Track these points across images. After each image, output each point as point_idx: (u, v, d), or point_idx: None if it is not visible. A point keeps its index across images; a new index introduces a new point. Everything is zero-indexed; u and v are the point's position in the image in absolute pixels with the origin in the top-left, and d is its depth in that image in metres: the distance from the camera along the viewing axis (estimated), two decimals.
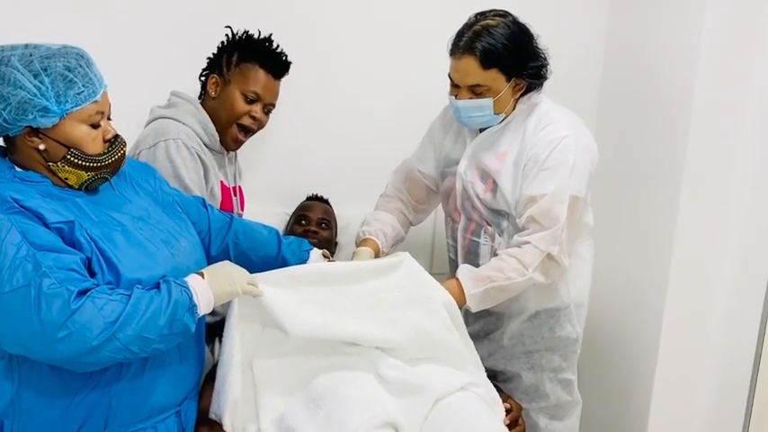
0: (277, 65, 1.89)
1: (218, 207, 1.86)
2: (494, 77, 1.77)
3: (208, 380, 1.66)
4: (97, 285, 1.28)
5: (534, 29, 1.82)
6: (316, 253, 1.82)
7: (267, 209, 2.19)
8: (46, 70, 1.28)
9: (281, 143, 2.34)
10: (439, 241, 2.36)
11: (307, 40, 2.29)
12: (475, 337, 1.93)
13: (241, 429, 1.55)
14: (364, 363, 1.62)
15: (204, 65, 1.95)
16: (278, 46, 1.91)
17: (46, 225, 1.28)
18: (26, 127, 1.29)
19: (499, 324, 2.03)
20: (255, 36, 1.90)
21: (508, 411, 1.70)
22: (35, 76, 1.27)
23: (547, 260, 1.78)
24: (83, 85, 1.31)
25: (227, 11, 2.05)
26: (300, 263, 1.76)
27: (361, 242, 1.99)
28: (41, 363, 1.28)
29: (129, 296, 1.28)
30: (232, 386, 1.54)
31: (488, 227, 1.93)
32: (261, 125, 1.93)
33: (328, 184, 2.32)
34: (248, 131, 1.92)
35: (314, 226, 2.15)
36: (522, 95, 1.85)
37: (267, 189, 2.31)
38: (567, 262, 1.82)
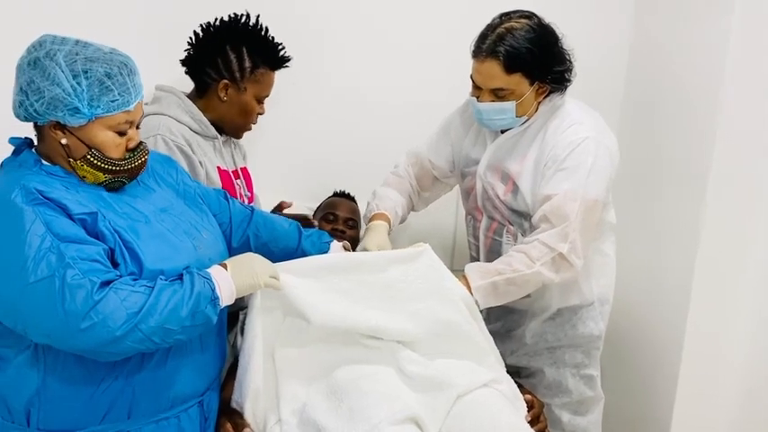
0: (281, 60, 1.89)
1: None
2: (517, 81, 1.73)
3: (230, 371, 1.67)
4: (120, 276, 1.29)
5: (559, 28, 1.78)
6: (336, 245, 1.82)
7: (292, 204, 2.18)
8: (86, 73, 1.28)
9: (304, 138, 2.33)
10: (460, 239, 2.35)
11: (327, 35, 2.29)
12: (496, 334, 1.92)
13: (262, 419, 1.56)
14: (385, 356, 1.62)
15: (180, 53, 1.88)
16: (267, 31, 1.88)
17: (70, 216, 1.29)
18: (53, 120, 1.30)
19: (521, 322, 2.01)
20: (249, 24, 1.85)
21: (530, 408, 1.68)
22: (74, 77, 1.27)
23: (558, 258, 1.74)
24: (118, 94, 1.31)
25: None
26: (320, 254, 1.75)
27: (375, 216, 1.96)
28: (66, 352, 1.30)
29: (152, 287, 1.29)
30: (254, 375, 1.55)
31: (510, 226, 1.91)
32: None
33: (352, 178, 2.31)
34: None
35: (341, 225, 2.13)
36: (544, 97, 1.82)
37: (290, 183, 2.30)
38: (581, 263, 1.77)
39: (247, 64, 1.83)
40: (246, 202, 1.96)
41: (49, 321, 1.22)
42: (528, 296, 1.88)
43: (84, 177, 1.36)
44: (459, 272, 1.79)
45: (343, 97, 2.35)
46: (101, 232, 1.31)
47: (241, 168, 2.00)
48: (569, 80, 1.80)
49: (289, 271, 1.55)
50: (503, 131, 1.88)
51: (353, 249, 1.95)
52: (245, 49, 1.83)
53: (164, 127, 1.76)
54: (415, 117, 2.30)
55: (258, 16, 1.86)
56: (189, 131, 1.82)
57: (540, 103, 1.82)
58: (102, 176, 1.35)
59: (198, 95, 1.88)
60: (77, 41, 1.32)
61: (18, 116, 1.32)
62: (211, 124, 1.87)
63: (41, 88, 1.27)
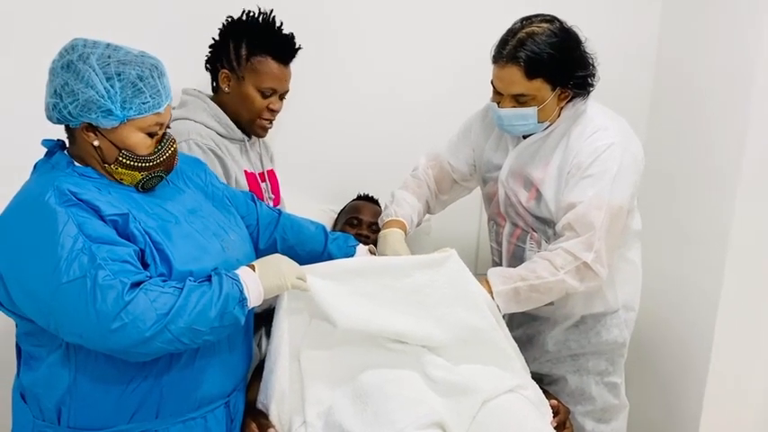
0: (287, 50, 1.84)
1: None
2: (538, 87, 1.71)
3: (256, 372, 1.68)
4: (150, 277, 1.30)
5: (584, 32, 1.75)
6: (362, 248, 1.83)
7: (314, 206, 2.19)
8: (119, 75, 1.30)
9: (327, 140, 2.34)
10: (484, 244, 2.33)
11: (353, 37, 2.29)
12: (518, 341, 1.88)
13: (287, 420, 1.57)
14: (410, 360, 1.62)
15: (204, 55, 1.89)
16: (281, 25, 1.84)
17: (101, 217, 1.30)
18: (85, 122, 1.32)
19: (543, 329, 1.98)
20: (258, 19, 1.83)
21: (555, 413, 1.67)
22: (108, 79, 1.29)
23: (583, 267, 1.71)
24: (150, 96, 1.33)
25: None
26: (346, 257, 1.76)
27: (391, 222, 1.94)
28: (97, 352, 1.31)
29: (181, 288, 1.30)
30: (280, 377, 1.56)
31: (534, 233, 1.88)
32: (278, 112, 1.91)
33: (375, 181, 2.31)
34: (270, 121, 1.91)
35: (365, 229, 2.12)
36: (567, 102, 1.79)
37: (313, 186, 2.30)
38: (605, 272, 1.74)
39: (243, 51, 1.80)
40: (272, 204, 1.97)
41: (80, 322, 1.23)
42: (551, 303, 1.86)
43: (122, 180, 1.38)
44: (482, 276, 1.78)
45: (367, 99, 2.34)
46: (131, 233, 1.33)
47: (267, 171, 2.00)
48: (592, 85, 1.78)
49: (315, 273, 1.55)
50: (525, 137, 1.87)
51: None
52: (244, 39, 1.81)
53: (194, 132, 1.77)
54: (440, 119, 2.29)
55: (272, 11, 1.85)
56: (217, 136, 1.83)
57: (562, 108, 1.80)
58: (138, 175, 1.37)
59: (214, 93, 1.90)
60: (108, 45, 1.34)
61: (51, 119, 1.34)
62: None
63: (75, 91, 1.29)
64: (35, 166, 1.41)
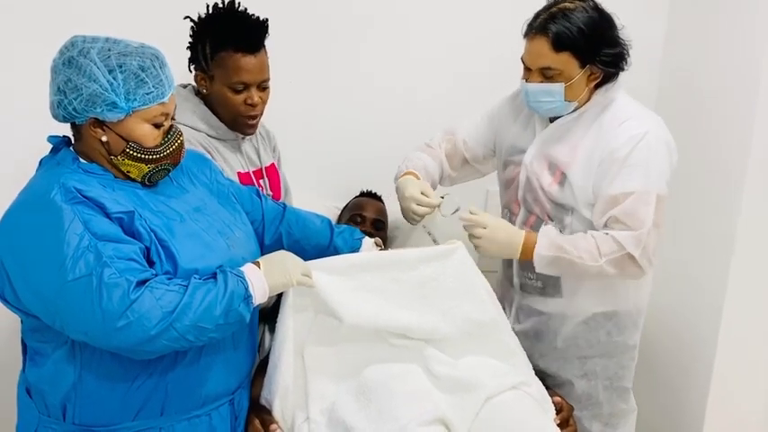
0: (251, 39, 1.71)
1: None
2: (566, 61, 1.69)
3: (259, 369, 1.68)
4: (156, 275, 1.30)
5: (619, 19, 1.73)
6: (367, 241, 1.82)
7: (318, 202, 2.17)
8: (121, 67, 1.29)
9: (332, 136, 2.33)
10: None
11: (360, 31, 2.28)
12: (525, 335, 1.90)
13: (290, 416, 1.57)
14: (413, 357, 1.62)
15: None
16: (245, 11, 1.73)
17: (107, 215, 1.30)
18: (92, 117, 1.31)
19: (552, 325, 1.94)
20: (220, 12, 1.73)
21: (558, 411, 1.67)
22: (110, 72, 1.29)
23: (627, 259, 1.69)
24: (153, 86, 1.32)
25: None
26: (352, 251, 1.76)
27: (402, 175, 1.92)
28: (102, 349, 1.31)
29: (187, 286, 1.30)
30: (284, 373, 1.56)
31: (549, 221, 1.84)
32: (263, 104, 1.79)
33: (378, 177, 2.29)
34: (254, 116, 1.80)
35: (369, 227, 2.12)
36: (597, 87, 1.76)
37: (317, 182, 2.29)
38: (650, 268, 1.72)
39: (208, 50, 1.71)
40: None
41: (86, 319, 1.23)
42: (560, 296, 1.86)
43: (129, 173, 1.37)
44: (485, 272, 1.77)
45: (372, 96, 2.33)
46: (137, 231, 1.33)
47: (266, 167, 1.95)
48: (622, 67, 1.74)
49: (321, 269, 1.55)
50: (552, 120, 1.83)
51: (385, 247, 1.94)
52: (207, 36, 1.72)
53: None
54: (445, 115, 2.28)
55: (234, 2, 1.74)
56: (206, 138, 1.78)
57: (592, 92, 1.77)
58: (145, 168, 1.37)
59: (199, 96, 1.82)
60: (107, 39, 1.33)
61: (56, 117, 1.34)
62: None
63: (79, 86, 1.28)
64: (40, 163, 1.41)
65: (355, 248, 1.78)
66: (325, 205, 2.20)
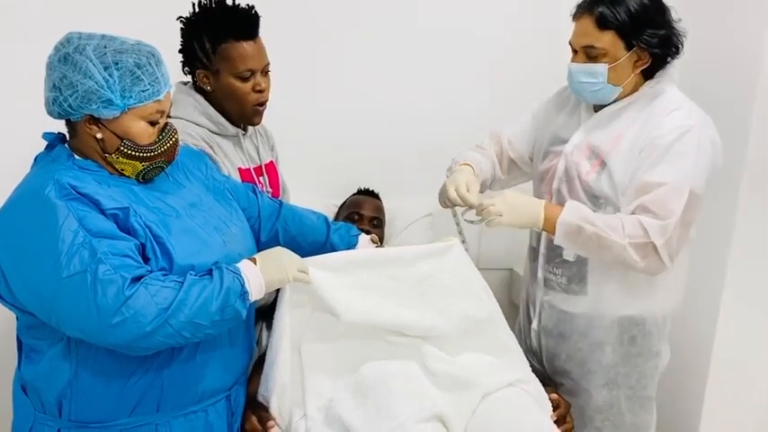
0: (249, 25, 1.74)
1: None
2: (610, 41, 1.66)
3: (256, 366, 1.68)
4: (151, 272, 1.30)
5: (676, 12, 1.70)
6: (364, 238, 1.82)
7: (316, 200, 2.18)
8: (117, 64, 1.29)
9: (329, 134, 2.32)
10: (484, 239, 2.30)
11: (358, 30, 2.28)
12: (548, 334, 1.87)
13: (287, 413, 1.57)
14: (410, 354, 1.62)
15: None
16: (233, 2, 1.75)
17: (102, 211, 1.30)
18: (87, 114, 1.30)
19: (576, 324, 1.87)
20: (210, 6, 1.74)
21: (555, 407, 1.67)
22: (105, 69, 1.28)
23: (650, 247, 1.64)
24: (149, 84, 1.31)
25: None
26: (349, 248, 1.76)
27: (461, 163, 1.89)
28: (98, 345, 1.31)
29: (182, 283, 1.29)
30: (281, 370, 1.56)
31: None
32: (268, 90, 1.81)
33: (375, 174, 2.30)
34: (263, 103, 1.82)
35: (367, 224, 2.12)
36: (647, 76, 1.72)
37: (316, 180, 2.29)
38: (671, 262, 1.67)
39: (207, 45, 1.72)
40: None
41: (81, 316, 1.23)
42: (584, 294, 1.82)
43: (123, 170, 1.37)
44: (484, 270, 1.77)
45: (370, 93, 2.33)
46: (132, 227, 1.32)
47: (265, 164, 1.95)
48: (671, 53, 1.69)
49: (317, 265, 1.55)
50: (597, 109, 1.79)
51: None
52: (204, 32, 1.73)
53: (182, 132, 1.69)
54: (443, 114, 2.29)
55: None
56: (208, 133, 1.78)
57: (640, 81, 1.73)
58: (139, 165, 1.36)
59: (200, 94, 1.82)
60: (103, 36, 1.32)
61: (51, 113, 1.33)
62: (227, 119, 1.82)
63: (74, 82, 1.27)
64: (35, 159, 1.40)
65: (352, 245, 1.78)
66: (323, 203, 2.21)
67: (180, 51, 1.78)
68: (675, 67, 1.74)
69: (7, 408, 1.50)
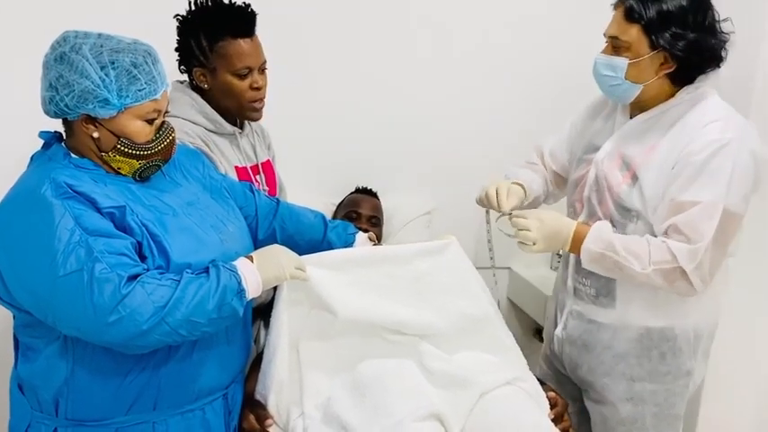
0: (246, 23, 1.74)
1: None
2: (634, 36, 1.59)
3: (254, 364, 1.68)
4: (147, 270, 1.30)
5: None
6: (361, 236, 1.82)
7: (314, 199, 2.17)
8: (113, 63, 1.29)
9: (327, 133, 2.32)
10: (482, 238, 2.28)
11: (358, 29, 2.28)
12: (571, 343, 1.84)
13: (285, 411, 1.57)
14: (408, 352, 1.62)
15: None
16: (230, 5, 1.75)
17: (98, 210, 1.30)
18: (84, 114, 1.30)
19: (601, 335, 1.80)
20: (207, 4, 1.74)
21: (553, 406, 1.67)
22: (102, 68, 1.28)
23: (678, 272, 1.57)
24: (145, 83, 1.31)
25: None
26: (346, 246, 1.76)
27: (513, 182, 1.86)
28: (95, 344, 1.31)
29: (179, 281, 1.29)
30: (279, 368, 1.56)
31: (612, 226, 1.70)
32: (265, 87, 1.82)
33: (373, 173, 2.29)
34: (261, 100, 1.82)
35: (365, 223, 2.12)
36: (680, 84, 1.64)
37: (313, 179, 2.29)
38: (703, 286, 1.59)
39: (204, 43, 1.72)
40: None
41: (77, 315, 1.23)
42: (613, 308, 1.76)
43: (119, 169, 1.37)
44: (481, 269, 1.77)
45: (368, 92, 2.33)
46: (129, 226, 1.32)
47: (262, 163, 1.94)
48: (701, 62, 1.60)
49: (315, 263, 1.55)
50: (632, 116, 1.72)
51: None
52: (200, 30, 1.73)
53: (179, 130, 1.69)
54: (441, 113, 2.29)
55: None
56: (204, 132, 1.78)
57: (669, 86, 1.65)
58: (136, 164, 1.36)
59: (196, 92, 1.82)
60: (100, 35, 1.32)
61: (48, 113, 1.33)
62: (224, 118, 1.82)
63: (71, 82, 1.27)
64: (32, 158, 1.40)
65: (349, 243, 1.78)
66: (321, 201, 2.21)
67: (176, 50, 1.78)
68: (719, 76, 1.65)
69: (4, 406, 1.49)
